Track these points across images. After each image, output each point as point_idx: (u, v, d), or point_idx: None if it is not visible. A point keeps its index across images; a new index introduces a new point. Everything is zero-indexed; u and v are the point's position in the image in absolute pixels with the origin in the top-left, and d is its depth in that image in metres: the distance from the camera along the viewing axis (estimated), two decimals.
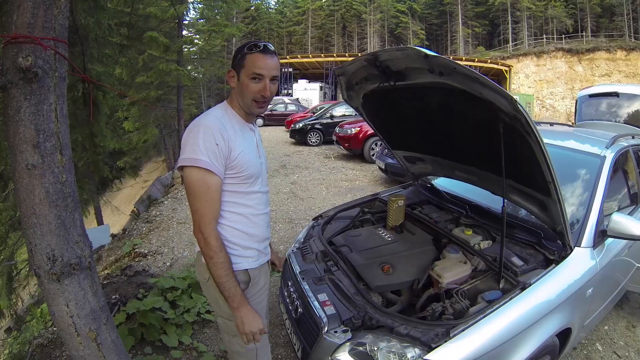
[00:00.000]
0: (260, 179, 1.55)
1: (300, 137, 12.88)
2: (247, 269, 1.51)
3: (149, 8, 6.67)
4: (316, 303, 1.89)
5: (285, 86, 32.58)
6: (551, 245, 2.05)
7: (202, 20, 11.04)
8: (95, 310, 1.61)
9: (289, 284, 2.24)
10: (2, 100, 1.37)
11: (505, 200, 2.02)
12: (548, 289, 1.83)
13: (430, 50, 1.63)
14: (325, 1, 47.77)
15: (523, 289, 1.77)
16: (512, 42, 37.31)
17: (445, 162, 2.70)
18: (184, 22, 8.68)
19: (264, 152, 1.65)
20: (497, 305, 1.68)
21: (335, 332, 1.71)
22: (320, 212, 3.11)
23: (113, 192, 15.41)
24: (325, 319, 1.77)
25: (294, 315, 2.08)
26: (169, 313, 2.89)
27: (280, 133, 16.13)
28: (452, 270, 1.99)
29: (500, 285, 1.88)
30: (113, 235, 8.50)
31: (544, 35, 35.09)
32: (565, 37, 33.04)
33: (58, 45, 1.41)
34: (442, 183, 3.20)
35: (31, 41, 1.30)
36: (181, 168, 1.37)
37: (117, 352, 1.73)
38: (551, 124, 3.90)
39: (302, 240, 2.63)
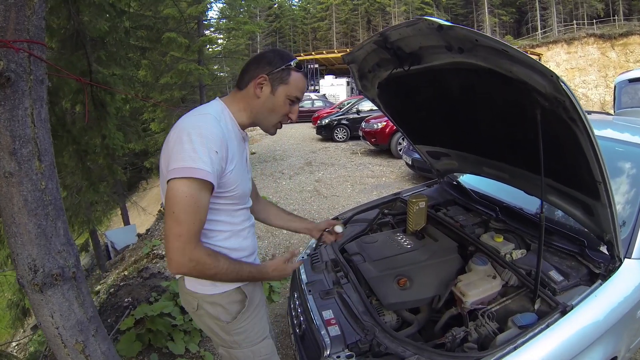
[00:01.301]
0: (248, 197, 1.40)
1: (326, 133, 12.92)
2: (239, 287, 1.35)
3: (166, 10, 6.77)
4: (320, 321, 1.70)
5: (312, 82, 32.69)
6: (596, 256, 1.74)
7: (223, 20, 11.21)
8: (83, 322, 1.56)
9: (295, 295, 2.08)
10: None
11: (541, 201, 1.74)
12: (593, 311, 1.53)
13: (446, 20, 1.38)
14: None
15: (563, 312, 1.48)
16: (541, 29, 36.25)
17: (472, 158, 2.42)
18: (204, 22, 8.78)
19: (250, 166, 1.46)
20: (532, 334, 1.41)
21: (338, 357, 1.52)
22: (341, 211, 2.98)
23: (140, 192, 15.94)
24: (327, 341, 1.58)
25: (297, 331, 1.92)
26: (178, 319, 2.86)
27: (307, 130, 16.18)
28: (478, 287, 1.72)
29: (536, 307, 1.59)
30: (139, 236, 8.81)
31: (574, 21, 33.80)
32: (596, 22, 31.63)
33: (33, 47, 1.36)
34: (469, 180, 2.92)
35: (3, 44, 1.28)
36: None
37: None
38: (588, 113, 3.58)
39: (313, 246, 2.44)
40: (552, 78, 1.24)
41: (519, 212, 2.24)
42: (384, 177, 7.94)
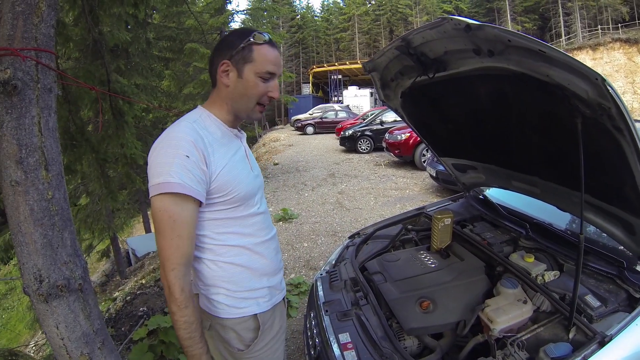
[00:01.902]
0: (256, 199, 1.27)
1: (350, 144, 12.89)
2: (256, 314, 1.24)
3: (188, 21, 6.93)
4: (335, 345, 1.61)
5: (336, 93, 32.92)
6: (636, 279, 1.60)
7: None
8: (88, 334, 1.52)
9: (312, 314, 1.98)
10: None
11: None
12: (634, 342, 1.37)
13: (474, 19, 1.27)
14: (370, 6, 47.94)
15: (601, 343, 1.34)
16: (565, 35, 35.43)
17: (501, 171, 2.29)
18: (226, 33, 8.94)
19: (255, 163, 1.35)
20: None
21: None
22: (364, 225, 2.90)
23: None
24: None
25: (312, 353, 1.83)
26: None
27: (330, 141, 16.22)
28: (507, 313, 1.58)
29: (571, 336, 1.46)
30: None
31: (599, 26, 32.76)
32: (621, 26, 30.52)
33: (41, 55, 1.36)
34: (496, 194, 2.77)
35: (10, 53, 1.29)
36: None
37: None
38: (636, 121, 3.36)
39: (333, 262, 2.35)
40: (596, 81, 1.10)
41: (551, 230, 2.08)
42: (407, 190, 7.80)
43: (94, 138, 3.31)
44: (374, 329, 1.64)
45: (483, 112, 1.94)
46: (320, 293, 2.01)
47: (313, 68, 36.09)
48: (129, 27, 4.65)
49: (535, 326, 1.57)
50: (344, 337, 1.63)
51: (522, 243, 2.14)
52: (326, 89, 38.17)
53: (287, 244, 5.23)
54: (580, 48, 28.29)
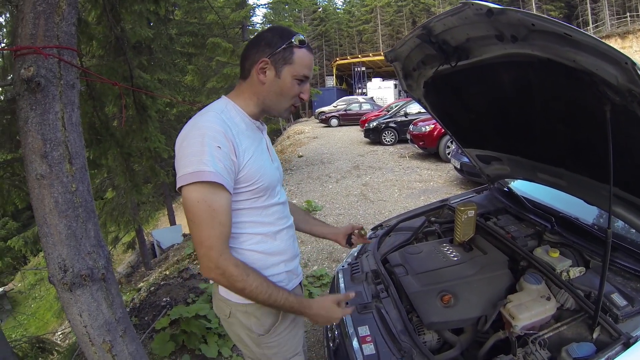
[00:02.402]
0: (277, 189, 1.30)
1: (374, 136, 12.79)
2: None
3: (210, 16, 7.02)
4: (354, 337, 1.60)
5: (360, 85, 32.68)
6: None
7: (269, 25, 11.46)
8: (110, 322, 1.59)
9: None
10: (15, 112, 1.44)
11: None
12: None
13: (495, 3, 1.23)
14: None
15: (626, 344, 1.29)
16: (592, 23, 33.66)
17: (526, 162, 2.22)
18: (248, 27, 9.01)
19: (275, 154, 1.39)
20: None
21: None
22: (388, 217, 2.90)
23: None
24: None
25: (331, 345, 1.84)
26: (213, 322, 2.88)
27: (354, 133, 16.16)
28: (530, 310, 1.53)
29: (594, 335, 1.40)
30: (184, 236, 9.16)
31: (628, 13, 30.89)
32: None
33: (63, 52, 1.41)
34: (521, 187, 2.69)
35: (33, 51, 1.34)
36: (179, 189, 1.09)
37: None
38: None
39: (355, 254, 2.34)
40: (626, 66, 1.03)
41: (578, 224, 2.00)
42: (431, 182, 7.70)
43: (119, 133, 3.42)
44: (394, 323, 1.62)
45: (507, 101, 1.88)
46: (342, 285, 2.01)
47: (336, 60, 35.89)
48: (151, 23, 4.76)
49: (559, 324, 1.51)
50: (363, 330, 1.62)
51: (547, 237, 2.08)
52: (350, 81, 37.94)
53: (310, 236, 5.25)
54: (608, 36, 26.91)
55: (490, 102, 2.01)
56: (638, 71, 1.02)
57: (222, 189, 1.06)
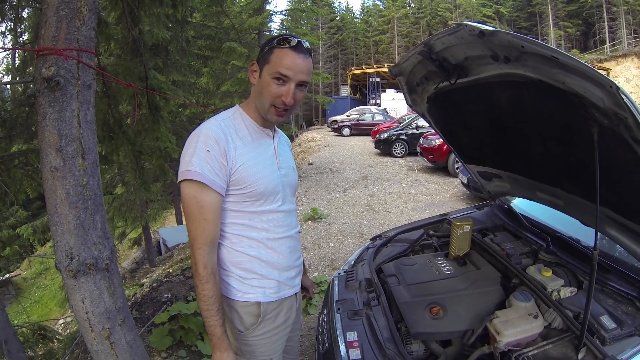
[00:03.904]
0: (279, 196, 1.34)
1: (385, 147, 12.89)
2: (259, 302, 1.33)
3: (226, 20, 7.19)
4: (342, 342, 1.66)
5: (373, 96, 32.81)
6: None
7: (286, 32, 11.66)
8: (111, 311, 1.66)
9: (325, 311, 2.04)
10: (35, 107, 1.55)
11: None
12: None
13: (489, 25, 1.26)
14: (409, 9, 47.40)
15: None
16: (609, 42, 33.35)
17: (525, 180, 2.25)
18: (265, 32, 9.19)
19: (289, 162, 1.45)
20: None
21: None
22: (391, 227, 2.95)
23: None
24: None
25: (321, 349, 1.89)
26: None
27: (366, 143, 16.28)
28: (516, 326, 1.55)
29: (580, 356, 1.41)
30: None
31: None
32: None
33: (82, 55, 1.51)
34: (523, 205, 2.71)
35: (54, 52, 1.45)
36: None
37: (132, 354, 1.77)
38: None
39: (352, 262, 2.41)
40: (611, 89, 1.08)
41: (573, 245, 2.02)
42: (438, 196, 7.72)
43: (131, 131, 3.54)
44: (381, 330, 1.67)
45: (504, 119, 1.93)
46: (336, 291, 2.06)
47: (351, 70, 36.07)
48: (170, 25, 4.91)
49: (545, 343, 1.53)
50: (351, 336, 1.67)
51: (542, 256, 2.09)
52: (364, 91, 38.05)
53: (313, 243, 5.32)
54: (625, 55, 26.63)
55: (489, 119, 2.06)
56: (622, 95, 1.06)
57: (209, 188, 1.18)
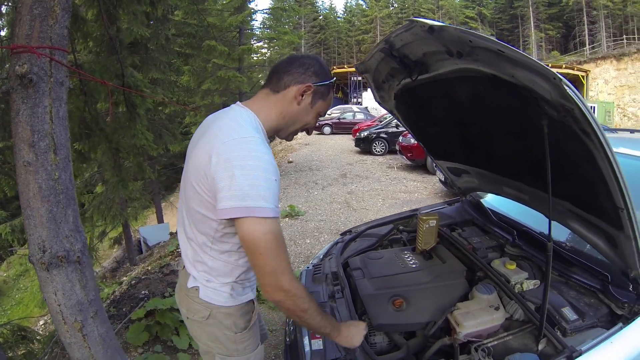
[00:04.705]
0: None
1: (365, 146, 13.01)
2: (252, 299, 1.40)
3: (208, 18, 7.19)
4: (305, 334, 1.69)
5: (355, 95, 32.89)
6: (621, 295, 1.53)
7: (267, 30, 11.67)
8: (83, 303, 1.68)
9: None
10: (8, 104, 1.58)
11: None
12: (607, 357, 1.32)
13: (439, 21, 1.29)
14: (392, 9, 47.85)
15: (569, 358, 1.30)
16: (589, 44, 34.69)
17: (490, 176, 2.29)
18: (247, 31, 9.19)
19: None
20: None
21: None
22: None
23: (177, 193, 16.72)
24: (308, 354, 1.57)
25: (287, 341, 1.93)
26: None
27: (346, 142, 16.38)
28: (476, 318, 1.58)
29: (540, 347, 1.44)
30: (171, 234, 9.24)
31: (624, 36, 31.87)
32: None
33: (54, 52, 1.54)
34: (494, 201, 2.77)
35: (27, 50, 1.48)
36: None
37: (105, 346, 1.80)
38: (631, 132, 3.24)
39: (321, 257, 2.43)
40: (554, 81, 1.08)
41: (538, 238, 2.06)
42: (416, 193, 7.86)
43: (109, 128, 3.55)
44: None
45: (466, 115, 1.97)
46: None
47: (333, 69, 36.09)
48: (150, 23, 4.90)
49: (505, 334, 1.57)
50: None
51: (508, 250, 2.15)
52: (346, 90, 38.16)
53: (290, 240, 5.37)
54: (604, 58, 27.21)
55: (452, 115, 2.09)
56: (565, 87, 1.07)
57: (277, 219, 1.11)
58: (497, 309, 1.63)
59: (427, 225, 2.17)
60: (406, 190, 8.15)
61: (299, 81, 1.21)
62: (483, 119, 1.84)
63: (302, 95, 1.21)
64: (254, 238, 1.05)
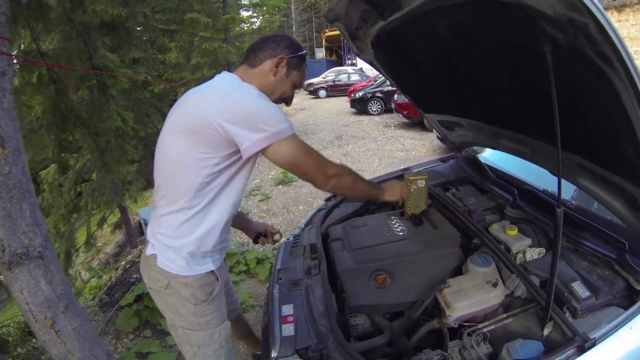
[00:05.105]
0: None
1: (360, 106, 12.67)
2: (213, 270, 1.33)
3: None
4: (277, 317, 1.46)
5: (349, 56, 32.11)
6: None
7: None
8: (51, 299, 1.61)
9: (269, 284, 1.84)
10: None
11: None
12: (623, 351, 1.07)
13: None
14: None
15: (581, 348, 1.05)
16: None
17: (486, 127, 1.98)
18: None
19: None
20: None
21: None
22: None
23: None
24: (278, 341, 1.34)
25: (263, 325, 1.73)
26: None
27: (342, 103, 15.93)
28: (469, 298, 1.32)
29: (545, 332, 1.19)
30: None
31: None
32: None
33: None
34: (493, 157, 2.46)
35: None
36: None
37: (81, 340, 1.73)
38: None
39: (302, 226, 2.18)
40: None
41: (543, 198, 1.74)
42: (414, 151, 7.61)
43: (85, 114, 3.39)
44: (317, 303, 1.47)
45: (451, 55, 1.65)
46: (279, 260, 1.85)
47: (325, 32, 35.01)
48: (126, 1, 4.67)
49: (505, 316, 1.32)
50: (287, 309, 1.49)
51: (508, 212, 1.87)
52: (340, 53, 37.25)
53: (282, 208, 5.22)
54: (605, 8, 26.25)
55: (436, 58, 1.77)
56: None
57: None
58: (495, 285, 1.38)
59: (415, 187, 1.84)
60: (403, 148, 7.88)
61: (273, 55, 1.29)
62: (470, 57, 1.52)
63: (277, 67, 1.29)
64: (293, 157, 1.18)
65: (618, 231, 1.40)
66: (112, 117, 3.18)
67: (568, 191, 1.88)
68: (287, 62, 1.30)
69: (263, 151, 1.15)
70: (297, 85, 1.37)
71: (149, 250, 1.32)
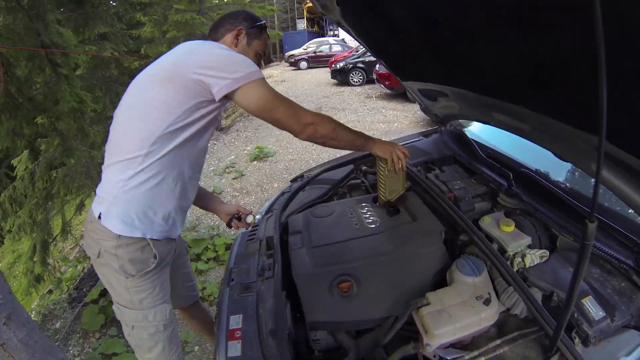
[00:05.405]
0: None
1: (341, 77, 11.96)
2: (148, 241, 1.17)
3: None
4: (223, 330, 1.13)
5: (331, 27, 31.02)
6: None
7: None
8: None
9: (220, 285, 1.46)
10: None
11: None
12: None
13: None
14: None
15: None
16: None
17: (476, 97, 1.55)
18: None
19: None
20: None
21: None
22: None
23: None
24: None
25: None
26: None
27: (323, 75, 15.15)
28: (454, 321, 0.99)
29: None
30: None
31: None
32: None
33: None
34: (480, 132, 2.08)
35: None
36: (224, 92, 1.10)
37: (30, 351, 1.53)
38: None
39: (263, 213, 1.76)
40: None
41: (545, 185, 1.38)
42: (396, 123, 7.20)
43: (39, 97, 2.98)
44: (267, 316, 1.12)
45: (431, 7, 1.19)
46: (232, 257, 1.47)
47: (306, 3, 33.58)
48: None
49: (499, 342, 0.99)
50: (235, 321, 1.15)
51: (502, 200, 1.49)
52: (322, 24, 36.00)
53: (256, 186, 4.83)
54: None
55: (414, 14, 1.31)
56: None
57: None
58: (487, 302, 1.02)
59: (389, 170, 1.43)
60: (385, 120, 7.44)
61: (232, 29, 1.32)
62: (459, 9, 1.06)
63: (237, 39, 1.31)
64: (264, 100, 1.11)
65: (637, 233, 1.07)
66: (65, 97, 2.76)
67: (568, 173, 1.56)
68: (247, 33, 1.32)
69: (234, 95, 1.08)
70: (261, 54, 1.37)
71: (88, 215, 1.19)
